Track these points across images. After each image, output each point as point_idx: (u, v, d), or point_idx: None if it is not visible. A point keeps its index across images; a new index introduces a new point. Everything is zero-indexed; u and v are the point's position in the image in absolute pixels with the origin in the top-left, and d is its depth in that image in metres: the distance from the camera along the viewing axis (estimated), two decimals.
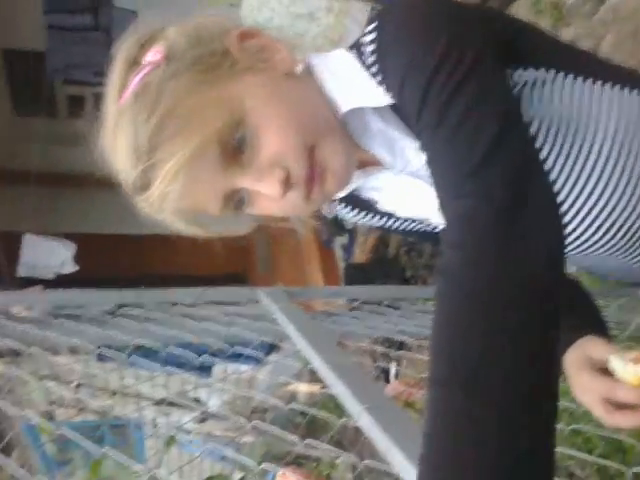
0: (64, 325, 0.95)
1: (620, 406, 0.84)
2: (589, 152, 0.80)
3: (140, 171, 0.74)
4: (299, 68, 0.81)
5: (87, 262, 5.64)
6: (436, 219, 0.92)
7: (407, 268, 4.58)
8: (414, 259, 4.54)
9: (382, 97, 0.77)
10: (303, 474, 2.24)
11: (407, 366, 3.51)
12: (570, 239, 0.86)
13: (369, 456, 0.85)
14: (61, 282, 5.42)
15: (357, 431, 0.76)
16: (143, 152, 0.73)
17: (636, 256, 0.91)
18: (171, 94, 0.73)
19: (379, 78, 0.77)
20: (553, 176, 0.81)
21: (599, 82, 0.82)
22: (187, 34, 0.79)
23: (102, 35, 4.63)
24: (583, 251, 0.89)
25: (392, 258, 4.78)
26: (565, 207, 0.82)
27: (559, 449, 0.81)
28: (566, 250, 0.64)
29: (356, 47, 0.81)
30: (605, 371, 0.86)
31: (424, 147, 0.70)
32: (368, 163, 0.88)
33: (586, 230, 0.85)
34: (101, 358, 1.15)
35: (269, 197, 0.77)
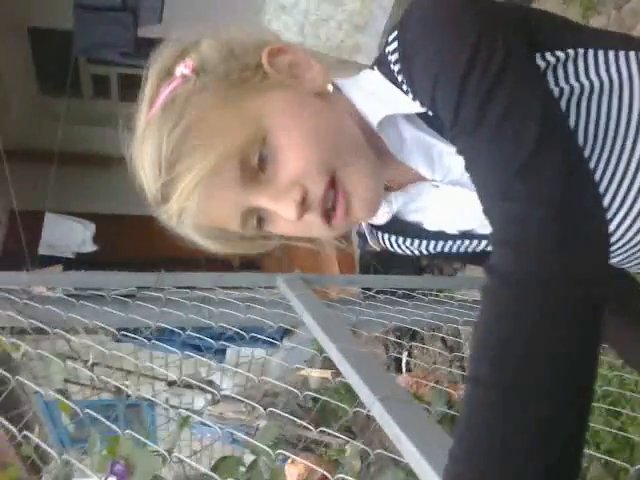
0: (86, 307, 0.97)
1: None
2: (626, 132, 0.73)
3: (161, 184, 0.73)
4: (330, 87, 0.79)
5: (107, 242, 5.69)
6: (482, 229, 0.88)
7: (422, 257, 4.58)
8: None
9: (412, 105, 0.75)
10: (313, 462, 2.26)
11: (418, 356, 3.52)
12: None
13: (378, 443, 0.87)
14: (81, 261, 5.48)
15: (368, 418, 0.77)
16: (165, 165, 0.72)
17: None
18: (196, 107, 0.72)
19: (406, 86, 0.74)
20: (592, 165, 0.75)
21: (632, 52, 0.76)
22: (220, 48, 0.77)
23: (129, 16, 4.64)
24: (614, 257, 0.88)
25: None
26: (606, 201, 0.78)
27: None
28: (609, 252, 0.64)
29: (380, 61, 0.79)
30: None
31: (462, 149, 0.68)
32: (406, 182, 0.85)
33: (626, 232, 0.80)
34: (118, 339, 1.18)
35: (285, 218, 0.75)
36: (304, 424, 0.71)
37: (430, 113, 0.75)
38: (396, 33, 0.74)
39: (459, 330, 2.43)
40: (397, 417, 0.69)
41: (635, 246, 0.81)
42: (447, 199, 0.84)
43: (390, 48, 0.75)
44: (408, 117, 0.78)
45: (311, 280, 1.33)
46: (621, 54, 0.76)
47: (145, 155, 0.74)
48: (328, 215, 0.76)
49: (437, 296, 1.62)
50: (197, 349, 1.59)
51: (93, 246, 5.59)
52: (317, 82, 0.78)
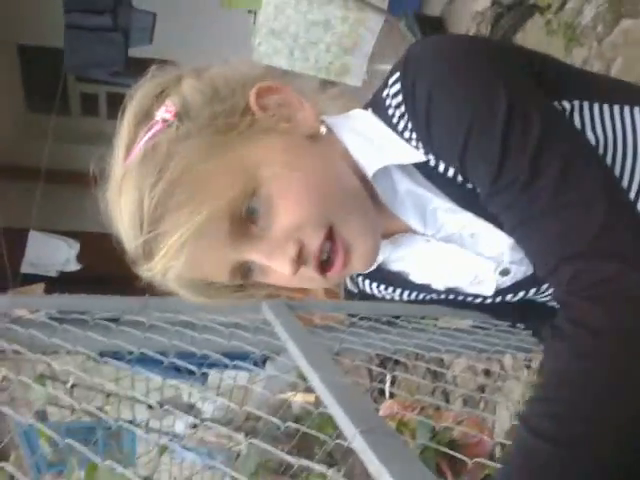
0: (69, 331, 0.96)
1: None
2: (631, 180, 0.73)
3: (142, 242, 0.69)
4: (323, 129, 0.75)
5: (92, 260, 5.65)
6: (471, 287, 0.86)
7: None
8: None
9: (412, 154, 0.71)
10: None
11: (402, 381, 3.51)
12: None
13: (360, 469, 0.86)
14: (64, 280, 5.44)
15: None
16: (147, 222, 0.68)
17: None
18: (181, 159, 0.67)
19: (409, 133, 0.71)
20: None
21: (627, 107, 0.76)
22: (203, 88, 0.71)
23: (120, 36, 4.66)
24: None
25: None
26: None
27: None
28: None
29: (376, 104, 0.75)
30: None
31: (511, 203, 0.64)
32: (395, 231, 0.81)
33: None
34: (104, 361, 1.17)
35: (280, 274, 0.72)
36: (283, 454, 0.71)
37: (432, 163, 0.71)
38: (397, 76, 0.70)
39: (442, 358, 2.43)
40: (378, 451, 0.69)
41: None
42: (437, 255, 0.81)
43: (391, 92, 0.71)
44: (404, 168, 0.74)
45: (296, 306, 1.33)
46: (626, 109, 0.75)
47: (124, 208, 0.69)
48: (323, 267, 0.73)
49: (420, 323, 1.62)
50: (179, 370, 1.58)
51: (77, 265, 5.55)
52: (309, 123, 0.74)
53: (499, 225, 0.73)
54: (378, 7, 3.90)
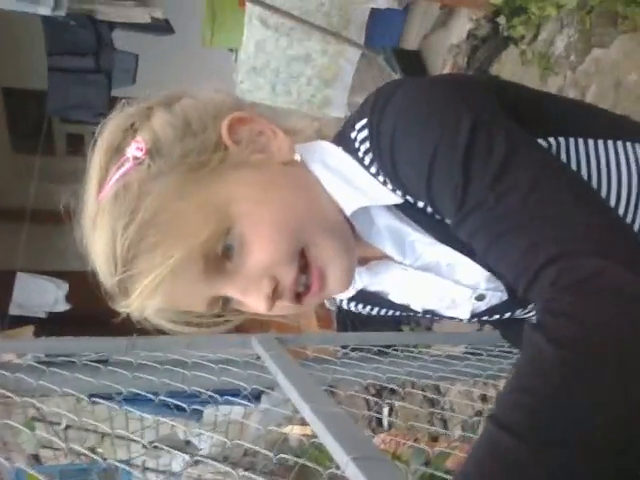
0: (56, 374, 0.96)
1: None
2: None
3: (117, 280, 0.69)
4: (297, 156, 0.74)
5: (80, 299, 5.61)
6: (448, 311, 0.85)
7: None
8: None
9: (389, 196, 0.70)
10: None
11: (400, 410, 3.49)
12: None
13: None
14: (53, 320, 5.40)
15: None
16: (121, 262, 0.67)
17: None
18: (152, 199, 0.66)
19: (382, 178, 0.70)
20: None
21: (610, 141, 0.74)
22: (174, 122, 0.70)
23: (103, 77, 4.69)
24: None
25: None
26: None
27: None
28: None
29: (346, 144, 0.73)
30: None
31: (480, 226, 0.62)
32: (371, 258, 0.80)
33: None
34: (93, 402, 1.16)
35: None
36: None
37: (410, 202, 0.70)
38: (365, 122, 0.69)
39: (438, 385, 2.42)
40: (372, 477, 0.68)
41: None
42: (414, 282, 0.81)
43: (359, 137, 0.70)
44: (383, 206, 0.73)
45: (286, 340, 1.33)
46: (600, 143, 0.74)
47: (99, 246, 0.69)
48: (299, 297, 0.72)
49: (411, 352, 1.62)
50: (171, 408, 1.57)
51: (66, 305, 5.51)
52: (283, 151, 0.73)
53: (476, 259, 0.73)
54: (355, 42, 3.94)
